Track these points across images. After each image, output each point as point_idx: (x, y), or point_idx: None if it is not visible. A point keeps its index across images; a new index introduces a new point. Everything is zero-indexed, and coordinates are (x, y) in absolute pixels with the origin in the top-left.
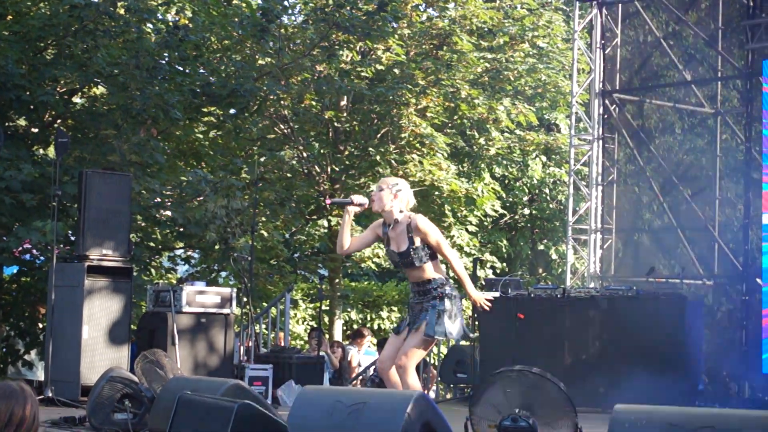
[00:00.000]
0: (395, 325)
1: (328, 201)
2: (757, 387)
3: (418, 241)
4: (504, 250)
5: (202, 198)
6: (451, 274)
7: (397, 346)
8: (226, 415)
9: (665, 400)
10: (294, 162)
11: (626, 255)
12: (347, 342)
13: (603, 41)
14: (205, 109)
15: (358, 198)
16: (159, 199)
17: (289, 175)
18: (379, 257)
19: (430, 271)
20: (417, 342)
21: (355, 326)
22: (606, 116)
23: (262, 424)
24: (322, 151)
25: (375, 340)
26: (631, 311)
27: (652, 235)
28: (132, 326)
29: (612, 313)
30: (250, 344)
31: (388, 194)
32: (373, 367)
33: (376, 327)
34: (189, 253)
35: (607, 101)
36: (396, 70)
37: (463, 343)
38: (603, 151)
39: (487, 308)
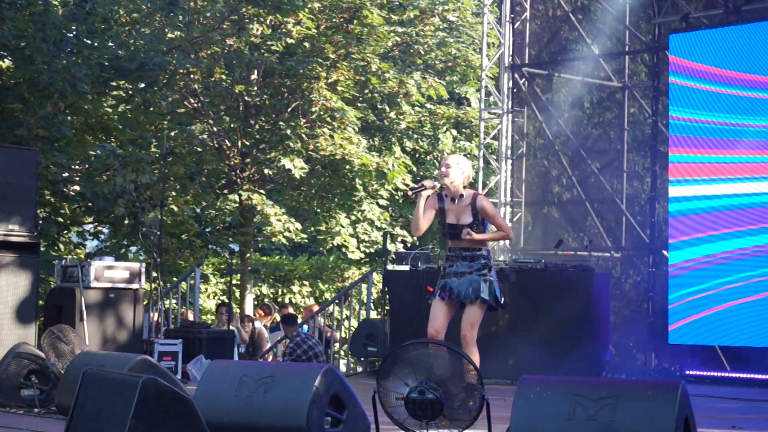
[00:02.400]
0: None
1: (409, 193)
2: (663, 357)
3: (479, 217)
4: None
5: (110, 172)
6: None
7: (448, 313)
8: (131, 390)
9: (573, 371)
10: (204, 136)
11: (535, 228)
12: (256, 317)
13: (512, 15)
14: (113, 83)
15: (429, 182)
16: (67, 174)
17: (199, 149)
18: (290, 231)
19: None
20: (478, 312)
21: (266, 300)
22: (515, 90)
23: (168, 399)
24: (232, 126)
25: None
26: (539, 283)
27: (561, 208)
28: (40, 302)
29: (521, 286)
30: (160, 319)
31: (457, 171)
32: (284, 342)
33: (287, 301)
34: (98, 228)
35: (516, 75)
36: (306, 44)
37: (373, 316)
38: (512, 124)
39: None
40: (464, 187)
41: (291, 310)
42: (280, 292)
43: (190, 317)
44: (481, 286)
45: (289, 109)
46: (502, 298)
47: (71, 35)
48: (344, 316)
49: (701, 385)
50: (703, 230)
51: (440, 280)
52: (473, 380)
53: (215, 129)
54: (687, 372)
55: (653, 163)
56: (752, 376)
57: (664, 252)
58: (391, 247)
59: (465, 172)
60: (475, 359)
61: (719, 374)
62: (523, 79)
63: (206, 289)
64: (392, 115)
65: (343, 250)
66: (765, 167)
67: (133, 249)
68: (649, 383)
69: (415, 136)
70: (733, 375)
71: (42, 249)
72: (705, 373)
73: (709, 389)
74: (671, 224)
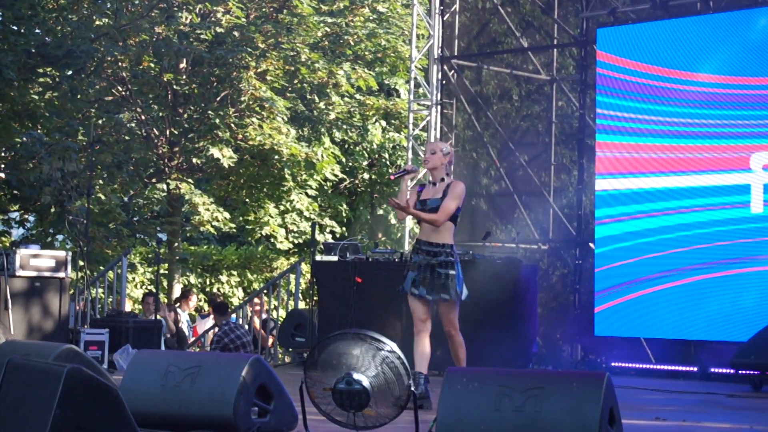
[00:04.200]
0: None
1: (392, 177)
2: (588, 348)
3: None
4: (344, 215)
5: (36, 160)
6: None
7: (425, 307)
8: (56, 380)
9: (501, 362)
10: (132, 125)
11: (463, 220)
12: (176, 305)
13: (442, 7)
14: (40, 70)
15: (411, 167)
16: None
17: (127, 137)
18: (218, 221)
19: (446, 233)
20: (451, 308)
21: (195, 290)
22: (444, 82)
23: (93, 389)
24: (160, 114)
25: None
26: (467, 275)
27: (489, 200)
28: None
29: None
30: (86, 308)
31: (439, 156)
32: (212, 332)
33: (215, 290)
34: (24, 215)
35: (445, 67)
36: (236, 33)
37: (302, 306)
38: (441, 116)
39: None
40: (447, 174)
41: (193, 296)
42: (208, 282)
43: (127, 307)
44: (445, 285)
45: (218, 99)
46: (463, 294)
47: None
48: (272, 307)
49: (626, 377)
50: (628, 223)
51: (406, 272)
52: (400, 371)
53: (143, 117)
54: (612, 364)
55: (580, 156)
56: (676, 368)
57: (591, 245)
58: (319, 237)
59: (447, 157)
60: (462, 351)
61: (644, 366)
62: (452, 71)
63: (133, 278)
64: (321, 105)
65: (272, 240)
66: (689, 161)
67: (60, 237)
68: (574, 375)
69: (345, 126)
70: (658, 367)
71: None
72: (630, 365)
73: (634, 381)
74: (597, 217)
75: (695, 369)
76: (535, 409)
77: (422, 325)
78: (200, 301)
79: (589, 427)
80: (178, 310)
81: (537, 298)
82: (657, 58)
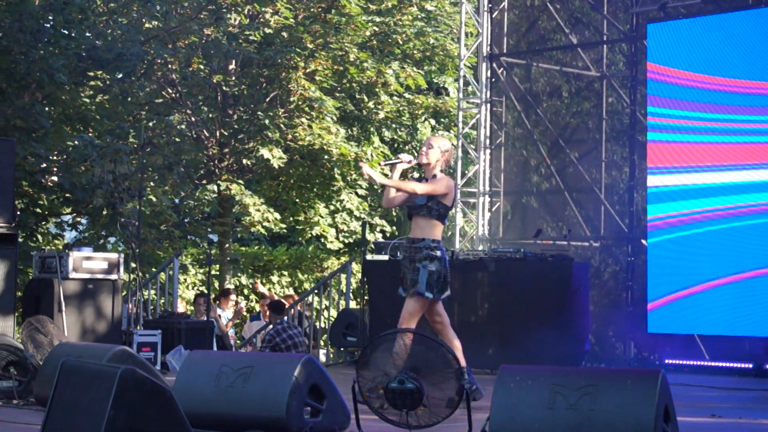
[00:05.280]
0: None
1: (383, 164)
2: (641, 346)
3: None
4: (394, 214)
5: (88, 163)
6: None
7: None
8: (110, 381)
9: (553, 361)
10: (182, 126)
11: (514, 217)
12: (216, 303)
13: (490, 5)
14: (91, 73)
15: (405, 156)
16: (45, 165)
17: (177, 139)
18: (268, 222)
19: (430, 229)
20: (413, 303)
21: (245, 291)
22: (494, 80)
23: (147, 390)
24: (210, 116)
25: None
26: (518, 273)
27: (540, 198)
28: (18, 293)
29: (500, 275)
30: (138, 310)
31: (436, 152)
32: (262, 332)
33: (266, 291)
34: (76, 218)
35: (494, 65)
36: (284, 34)
37: (353, 306)
38: (491, 114)
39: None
40: (441, 171)
41: (234, 294)
42: (259, 283)
43: (179, 308)
44: (418, 278)
45: (267, 99)
46: (434, 292)
47: (48, 25)
48: (323, 306)
49: (680, 374)
50: (680, 218)
51: (401, 274)
52: (453, 370)
53: (193, 119)
54: (666, 361)
55: (631, 152)
56: (731, 364)
57: (643, 241)
58: (369, 236)
59: (445, 155)
60: None
61: (698, 363)
62: (502, 69)
63: (185, 279)
64: (370, 104)
65: (322, 240)
66: (742, 156)
67: (112, 240)
68: (628, 372)
69: (394, 125)
70: (712, 364)
71: (20, 240)
72: (684, 362)
73: (688, 378)
74: (649, 213)
75: (750, 366)
76: (589, 407)
77: (436, 325)
78: (251, 301)
79: (644, 425)
80: (218, 308)
81: (589, 296)
82: (709, 64)
